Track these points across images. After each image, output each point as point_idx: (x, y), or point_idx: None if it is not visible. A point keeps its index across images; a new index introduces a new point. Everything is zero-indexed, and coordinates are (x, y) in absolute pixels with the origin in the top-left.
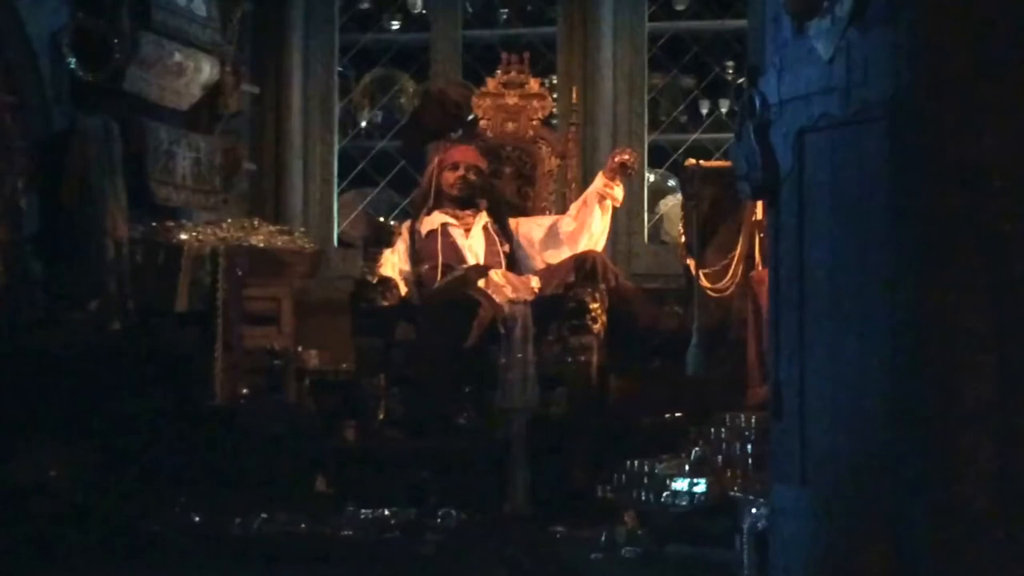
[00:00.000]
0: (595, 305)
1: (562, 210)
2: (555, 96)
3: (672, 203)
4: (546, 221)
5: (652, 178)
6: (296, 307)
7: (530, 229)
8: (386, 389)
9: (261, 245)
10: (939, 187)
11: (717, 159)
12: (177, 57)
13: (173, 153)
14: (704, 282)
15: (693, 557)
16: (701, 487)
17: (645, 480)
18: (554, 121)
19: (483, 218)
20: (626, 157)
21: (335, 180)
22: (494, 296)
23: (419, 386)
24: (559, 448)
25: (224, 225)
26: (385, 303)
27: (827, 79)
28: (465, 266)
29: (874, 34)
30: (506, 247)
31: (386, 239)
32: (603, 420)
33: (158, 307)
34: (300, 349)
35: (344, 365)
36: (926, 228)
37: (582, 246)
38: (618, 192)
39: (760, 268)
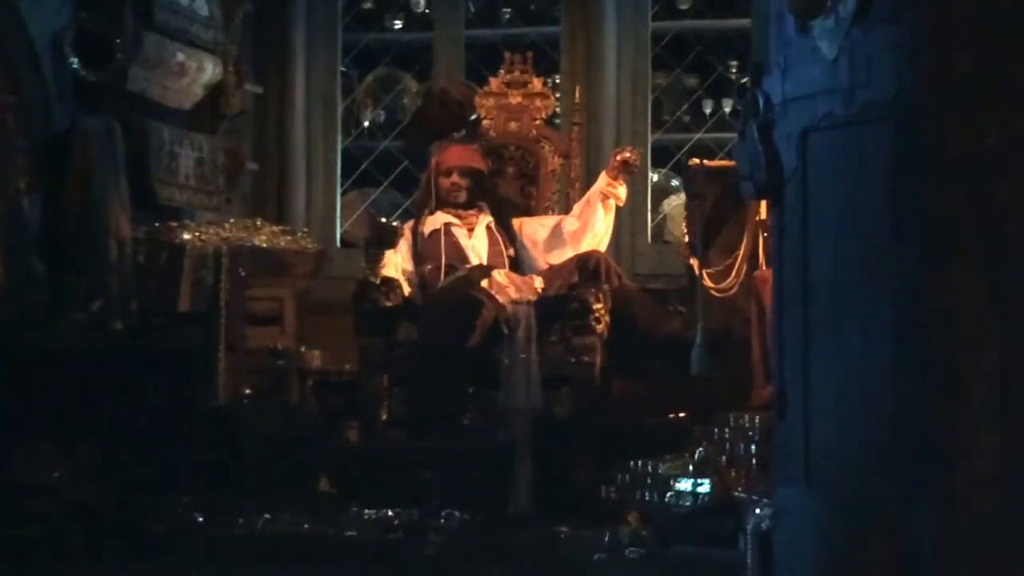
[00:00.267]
0: (598, 305)
1: (565, 209)
2: (558, 95)
3: (675, 203)
4: (550, 221)
5: (655, 178)
6: (299, 307)
7: (534, 230)
8: (389, 389)
9: (264, 245)
10: (943, 187)
11: (721, 159)
12: (180, 57)
13: (176, 153)
14: (708, 282)
15: (697, 557)
16: (705, 487)
17: (649, 480)
18: (557, 121)
19: (486, 218)
20: (628, 155)
21: (338, 180)
22: (497, 296)
23: (422, 386)
24: (562, 448)
25: (227, 225)
26: (388, 303)
27: (831, 79)
28: (468, 266)
29: (878, 33)
30: (510, 248)
31: (388, 239)
32: (606, 420)
33: (160, 307)
34: (303, 349)
35: (347, 366)
36: (930, 228)
37: (585, 246)
38: (621, 191)
39: (764, 268)
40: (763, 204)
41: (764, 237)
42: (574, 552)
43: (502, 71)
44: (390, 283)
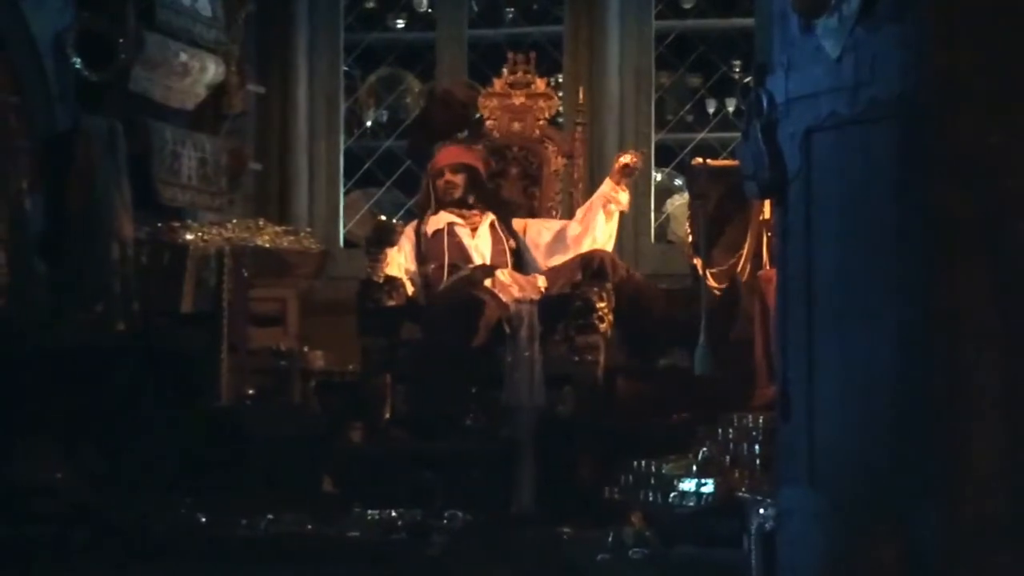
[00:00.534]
0: (602, 304)
1: (568, 209)
2: (561, 96)
3: (679, 202)
4: (555, 225)
5: (659, 177)
6: (302, 307)
7: (538, 232)
8: (392, 389)
9: (267, 245)
10: (947, 185)
11: (724, 158)
12: (182, 57)
13: (178, 153)
14: (711, 281)
15: (700, 558)
16: (708, 488)
17: (652, 480)
18: (560, 121)
19: (489, 217)
20: (627, 159)
21: (341, 180)
22: (500, 296)
23: (425, 386)
24: (566, 448)
25: (229, 225)
26: (391, 303)
27: (835, 77)
28: (471, 266)
29: (882, 32)
30: (512, 244)
31: (387, 237)
32: (610, 420)
33: (163, 308)
34: (306, 349)
35: (350, 366)
36: (934, 227)
37: (586, 250)
38: (623, 197)
39: (767, 267)
40: (767, 203)
41: (767, 237)
42: (577, 552)
43: (505, 71)
44: (393, 283)
